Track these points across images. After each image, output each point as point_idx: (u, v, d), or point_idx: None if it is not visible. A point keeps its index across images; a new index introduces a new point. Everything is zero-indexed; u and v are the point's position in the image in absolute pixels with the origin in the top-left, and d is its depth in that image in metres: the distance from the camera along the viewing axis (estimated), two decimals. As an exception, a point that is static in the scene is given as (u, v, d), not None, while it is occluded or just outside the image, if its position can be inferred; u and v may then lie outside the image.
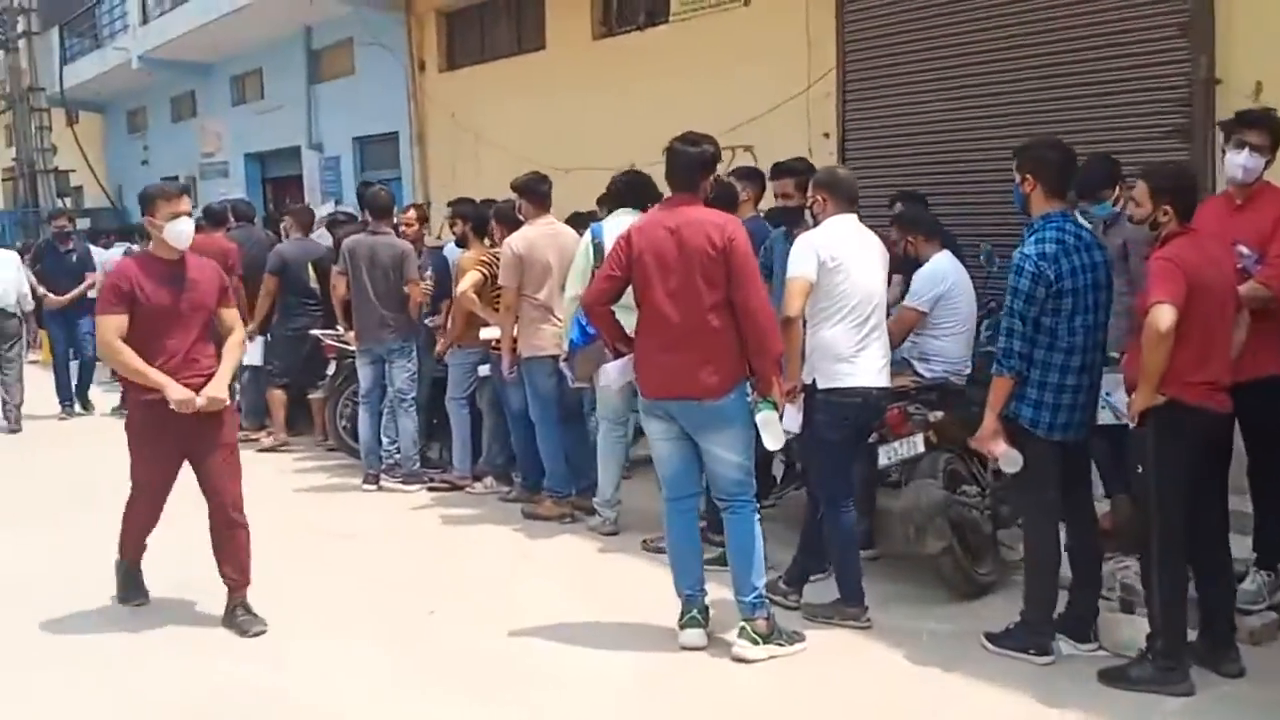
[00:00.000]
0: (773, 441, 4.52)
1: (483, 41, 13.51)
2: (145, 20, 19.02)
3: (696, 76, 10.34)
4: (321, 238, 9.61)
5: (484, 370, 7.37)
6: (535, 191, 6.72)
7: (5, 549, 6.36)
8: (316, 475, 8.18)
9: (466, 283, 6.88)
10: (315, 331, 8.32)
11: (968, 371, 5.61)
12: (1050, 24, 7.62)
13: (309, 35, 16.53)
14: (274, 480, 7.94)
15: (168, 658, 4.82)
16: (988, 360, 5.77)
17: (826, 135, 9.26)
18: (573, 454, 6.84)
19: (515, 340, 6.67)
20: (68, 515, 7.00)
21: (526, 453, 7.06)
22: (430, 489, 7.56)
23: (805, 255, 4.69)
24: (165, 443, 4.94)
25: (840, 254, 4.69)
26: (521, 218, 6.76)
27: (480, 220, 7.58)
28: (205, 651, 4.85)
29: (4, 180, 27.14)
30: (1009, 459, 4.36)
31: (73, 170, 23.94)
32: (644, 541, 6.04)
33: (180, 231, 4.88)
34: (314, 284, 9.08)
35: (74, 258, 10.58)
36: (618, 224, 6.34)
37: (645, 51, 10.99)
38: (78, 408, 11.31)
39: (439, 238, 10.65)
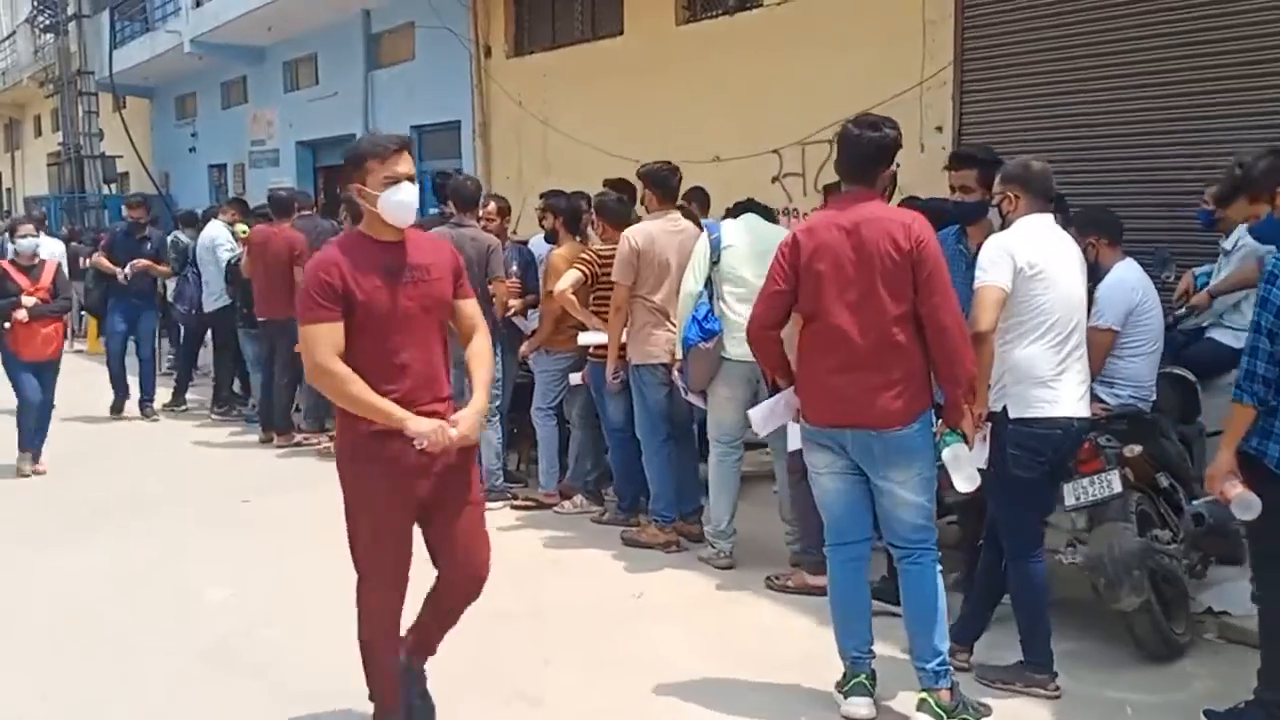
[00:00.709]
0: (964, 482, 3.82)
1: (554, 26, 12.86)
2: (198, 3, 18.49)
3: (791, 66, 9.65)
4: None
5: (575, 379, 6.71)
6: (664, 184, 6.05)
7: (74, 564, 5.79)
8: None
9: (565, 281, 6.21)
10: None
11: (1153, 398, 4.88)
12: (1190, 10, 6.91)
13: (368, 19, 15.95)
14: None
15: None
16: (1172, 384, 5.10)
17: (939, 129, 8.54)
18: (680, 474, 6.18)
19: (623, 346, 6.01)
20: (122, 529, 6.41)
21: (625, 472, 6.40)
22: (514, 507, 6.91)
23: (999, 260, 3.97)
24: (401, 498, 3.54)
25: (1039, 260, 3.98)
26: (643, 210, 6.12)
27: (573, 214, 6.93)
28: None
29: (50, 165, 26.75)
30: (1244, 504, 3.63)
31: (119, 155, 23.50)
32: (768, 579, 5.36)
33: (401, 202, 3.49)
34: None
35: (149, 245, 10.02)
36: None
37: (734, 38, 10.30)
38: (133, 411, 10.18)
39: (513, 232, 9.98)
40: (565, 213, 6.89)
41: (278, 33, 17.52)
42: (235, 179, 20.78)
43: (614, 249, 6.24)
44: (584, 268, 6.24)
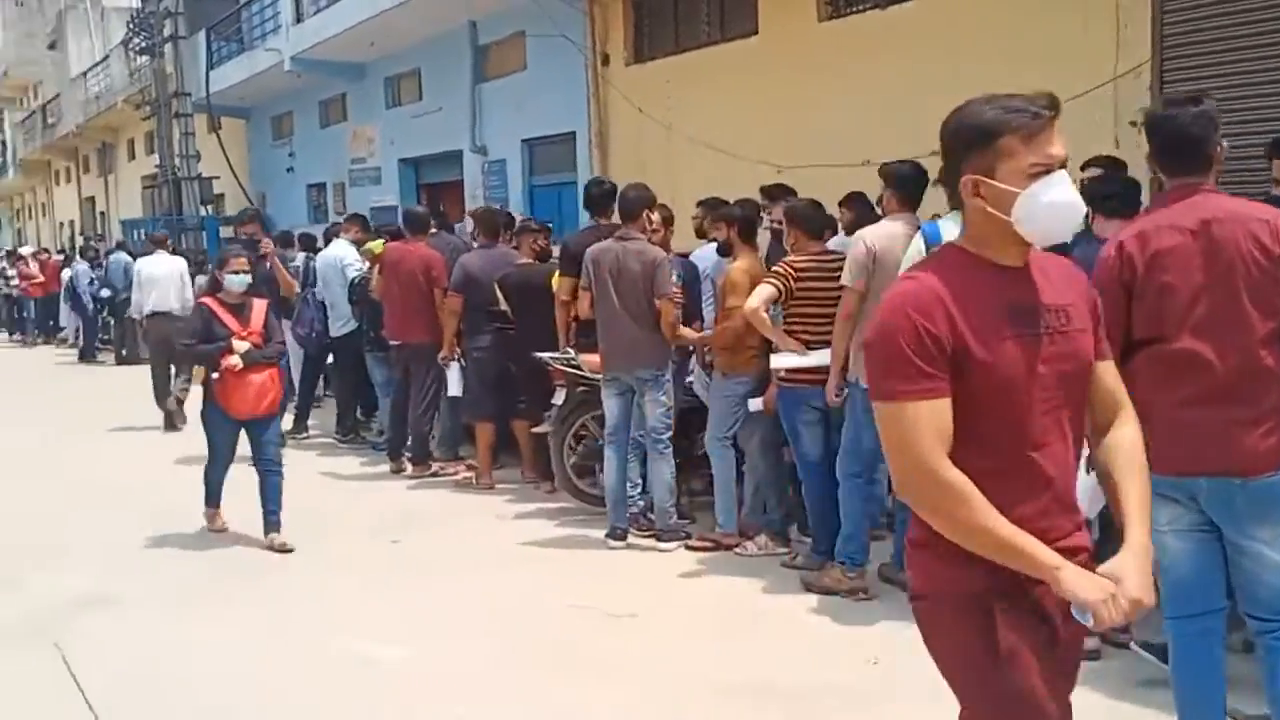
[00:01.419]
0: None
1: (677, 30, 12.26)
2: (299, 19, 18.20)
3: (953, 62, 8.90)
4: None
5: (754, 405, 6.05)
6: (908, 183, 5.35)
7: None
8: (544, 525, 6.91)
9: (758, 298, 5.54)
10: (542, 355, 7.08)
11: None
12: None
13: (474, 31, 15.48)
14: (499, 533, 6.75)
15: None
16: None
17: (1134, 124, 7.74)
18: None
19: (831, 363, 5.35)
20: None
21: (822, 511, 5.70)
22: (689, 548, 6.24)
23: None
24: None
25: None
26: (879, 211, 5.50)
27: (749, 223, 6.27)
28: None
29: (146, 188, 26.80)
30: None
31: (216, 177, 23.41)
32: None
33: (1060, 205, 2.14)
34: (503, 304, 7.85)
35: (267, 265, 9.31)
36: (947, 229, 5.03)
37: (886, 34, 9.61)
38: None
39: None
40: (741, 221, 6.22)
41: (380, 48, 17.15)
42: (335, 198, 20.47)
43: (810, 259, 5.60)
44: (778, 281, 5.57)
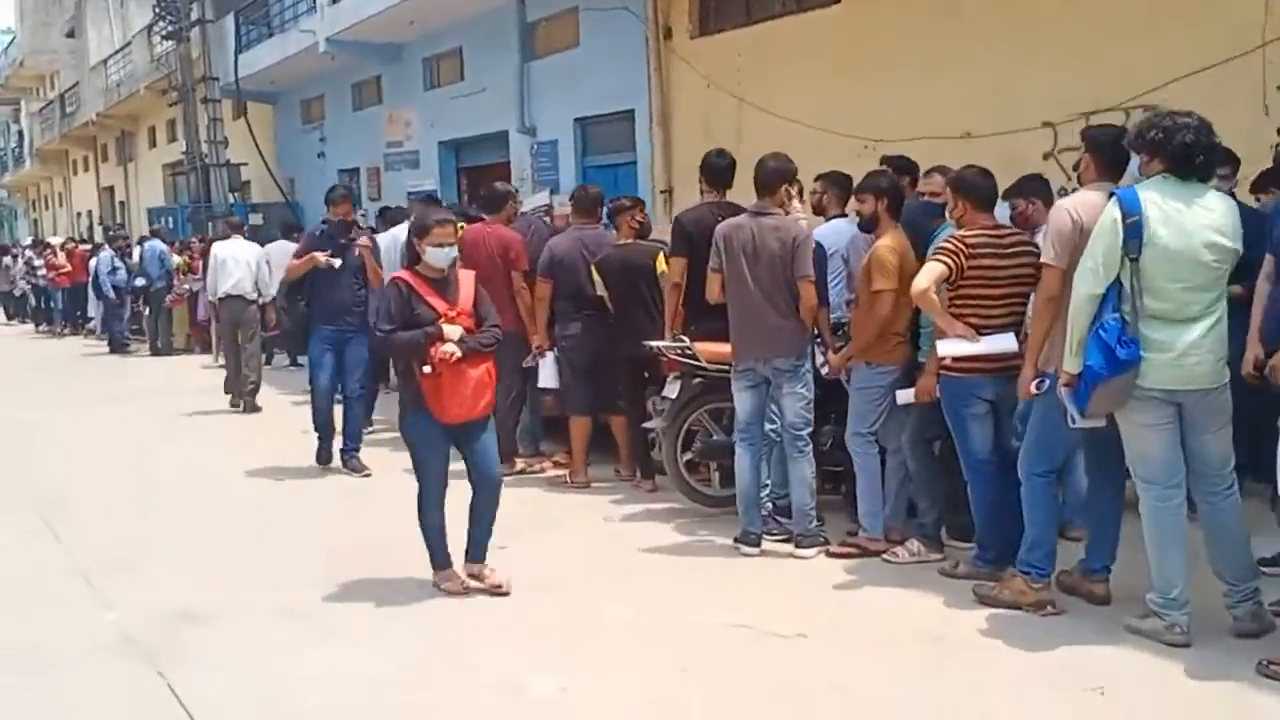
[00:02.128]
0: None
1: (748, 2, 11.65)
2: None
3: (1074, 28, 8.34)
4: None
5: (903, 397, 5.48)
6: (1107, 149, 4.73)
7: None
8: (660, 529, 6.34)
9: (927, 277, 4.96)
10: (655, 343, 6.52)
11: None
12: None
13: (522, 7, 14.91)
14: (614, 538, 6.21)
15: None
16: None
17: (1281, 89, 7.19)
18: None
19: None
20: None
21: (993, 514, 5.14)
22: (830, 554, 5.68)
23: None
24: None
25: None
26: (1074, 184, 4.92)
27: (900, 197, 5.69)
28: None
29: (173, 175, 26.27)
30: None
31: (244, 163, 22.87)
32: (1262, 664, 4.06)
33: None
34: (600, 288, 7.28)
35: (356, 251, 8.58)
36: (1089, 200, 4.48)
37: (989, -1, 9.02)
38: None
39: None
40: (889, 194, 5.64)
41: (419, 27, 16.59)
42: (369, 183, 19.92)
43: (983, 234, 5.03)
44: (948, 259, 4.98)
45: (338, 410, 8.16)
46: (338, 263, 7.92)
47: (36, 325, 23.15)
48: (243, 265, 11.40)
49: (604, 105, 13.51)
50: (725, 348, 6.09)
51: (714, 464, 6.54)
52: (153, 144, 32.34)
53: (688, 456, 6.52)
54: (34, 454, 9.23)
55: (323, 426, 8.14)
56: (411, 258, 5.28)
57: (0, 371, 15.88)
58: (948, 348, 5.04)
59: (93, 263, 19.16)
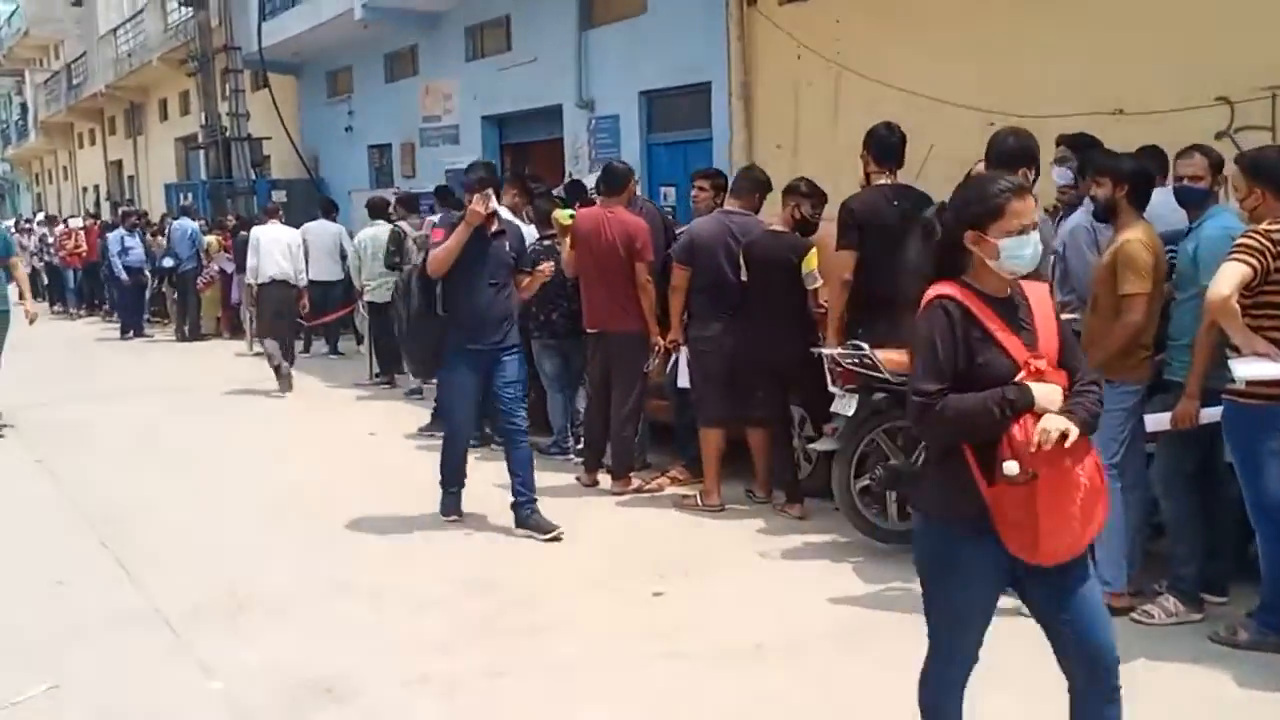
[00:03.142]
0: None
1: (848, -38, 10.65)
2: (372, -38, 16.52)
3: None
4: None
5: (1155, 423, 4.58)
6: None
7: None
8: (832, 570, 5.46)
9: (1229, 282, 4.03)
10: (827, 350, 5.60)
11: None
12: None
13: (581, -29, 13.90)
14: (786, 583, 5.32)
15: None
16: None
17: None
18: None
19: None
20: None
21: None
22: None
23: None
24: None
25: None
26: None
27: (1148, 182, 4.76)
28: None
29: (190, 149, 25.23)
30: None
31: (268, 137, 21.84)
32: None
33: None
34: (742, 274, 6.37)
35: (508, 246, 6.95)
36: None
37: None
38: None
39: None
40: (1135, 179, 4.71)
41: (466, -9, 15.56)
42: (402, 160, 18.90)
43: (1289, 230, 4.10)
44: (1253, 259, 4.06)
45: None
46: (547, 267, 6.37)
47: (51, 305, 22.07)
48: (284, 249, 11.56)
49: (675, 77, 12.50)
50: (913, 357, 5.20)
51: (892, 493, 5.63)
52: (164, 117, 31.25)
53: (862, 483, 5.61)
54: (86, 460, 8.31)
55: (454, 472, 6.38)
56: (945, 262, 2.94)
57: (22, 356, 15.00)
58: (1249, 369, 4.11)
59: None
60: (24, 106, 47.15)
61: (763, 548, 5.76)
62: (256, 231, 11.92)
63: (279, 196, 21.08)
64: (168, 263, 16.35)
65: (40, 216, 27.29)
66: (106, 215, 29.79)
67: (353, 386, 11.68)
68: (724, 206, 6.66)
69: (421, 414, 9.50)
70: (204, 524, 6.49)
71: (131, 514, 6.66)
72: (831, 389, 5.95)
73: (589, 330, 6.90)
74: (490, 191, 5.94)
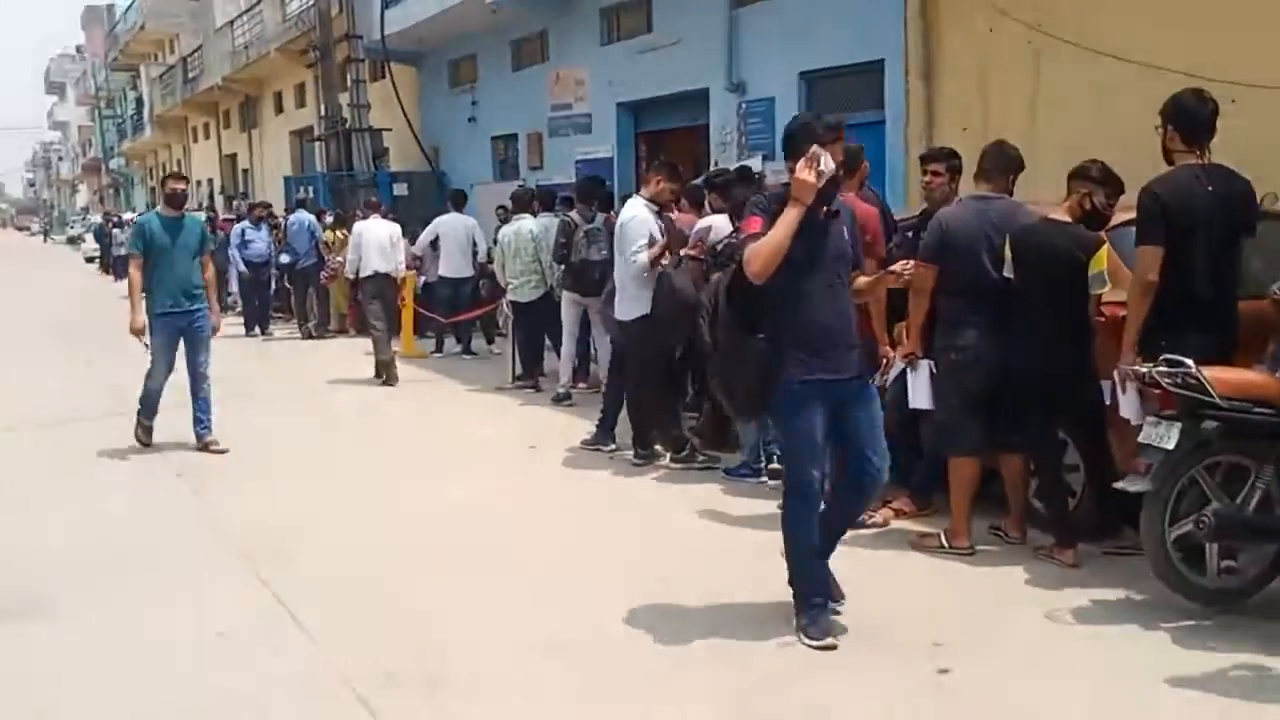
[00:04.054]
0: None
1: (1051, -77, 9.54)
2: (505, -57, 15.77)
3: None
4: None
5: None
6: None
7: None
8: (1157, 642, 4.43)
9: None
10: (1141, 368, 4.57)
11: None
12: None
13: (732, -54, 12.95)
14: (1120, 673, 4.27)
15: None
16: None
17: None
18: None
19: None
20: None
21: None
22: None
23: None
24: None
25: None
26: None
27: None
28: None
29: (309, 141, 24.82)
30: None
31: (388, 129, 21.30)
32: None
33: None
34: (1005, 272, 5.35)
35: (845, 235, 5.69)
36: None
37: None
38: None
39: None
40: None
41: (603, -28, 14.71)
42: (529, 151, 18.14)
43: None
44: None
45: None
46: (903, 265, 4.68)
47: None
48: (384, 243, 11.81)
49: (842, 55, 11.49)
50: (1253, 377, 4.21)
51: (1214, 544, 4.58)
52: (279, 110, 31.07)
53: (1180, 530, 4.57)
54: (226, 475, 7.61)
55: (816, 580, 4.51)
56: None
57: (140, 355, 14.64)
58: None
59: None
60: (139, 101, 47.70)
61: (1045, 606, 4.76)
62: (358, 227, 12.20)
63: (400, 189, 20.63)
64: (285, 259, 15.82)
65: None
66: (221, 208, 29.70)
67: (495, 390, 10.92)
68: (974, 192, 5.65)
69: (578, 423, 8.68)
70: (374, 558, 5.68)
71: (287, 543, 5.88)
72: (1124, 414, 4.96)
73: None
74: (820, 151, 4.16)
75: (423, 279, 14.20)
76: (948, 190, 5.93)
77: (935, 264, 5.39)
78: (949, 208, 5.59)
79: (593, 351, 10.56)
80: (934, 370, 5.57)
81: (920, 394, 5.63)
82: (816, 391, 4.30)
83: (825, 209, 4.33)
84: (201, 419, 8.19)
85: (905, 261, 4.74)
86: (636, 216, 7.35)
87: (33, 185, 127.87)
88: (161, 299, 8.00)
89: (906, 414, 5.90)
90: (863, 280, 4.67)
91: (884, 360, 5.86)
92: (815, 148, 4.17)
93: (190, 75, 36.50)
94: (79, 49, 75.88)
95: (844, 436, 4.47)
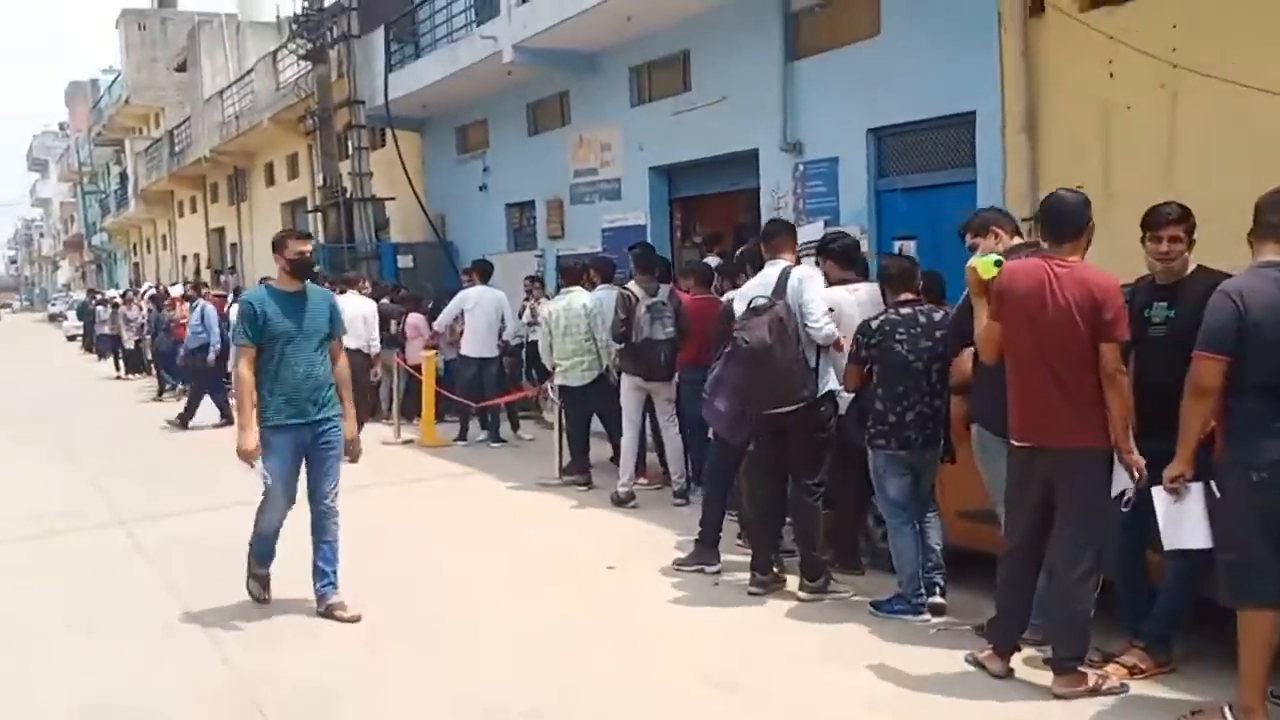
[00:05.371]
0: None
1: (1183, -46, 8.39)
2: (524, -1, 14.62)
3: None
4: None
5: None
6: None
7: None
8: None
9: None
10: None
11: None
12: None
13: (786, -7, 11.84)
14: None
15: None
16: None
17: None
18: None
19: None
20: None
21: None
22: None
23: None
24: None
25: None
26: None
27: None
28: None
29: (309, 211, 23.59)
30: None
31: (392, 198, 20.12)
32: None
33: None
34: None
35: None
36: None
37: None
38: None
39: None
40: None
41: (635, 26, 13.57)
42: (549, 219, 16.89)
43: None
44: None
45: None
46: None
47: (160, 388, 19.85)
48: (362, 320, 12.19)
49: (921, 108, 10.29)
50: None
51: None
52: (270, 181, 29.89)
53: None
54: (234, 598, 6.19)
55: None
56: None
57: (136, 453, 13.02)
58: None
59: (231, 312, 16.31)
60: (123, 175, 46.52)
61: None
62: (338, 301, 10.68)
63: (405, 261, 19.40)
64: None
65: (148, 287, 25.73)
66: (208, 283, 28.33)
67: (539, 487, 9.54)
68: (1260, 258, 4.32)
69: (655, 532, 7.30)
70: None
71: (335, 699, 4.47)
72: None
73: (1017, 443, 4.59)
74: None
75: (442, 359, 12.94)
76: (1186, 259, 4.68)
77: (1228, 355, 4.04)
78: (1240, 280, 4.19)
79: (648, 441, 9.24)
80: (1214, 495, 4.19)
81: (1191, 528, 4.24)
82: None
83: None
84: (325, 571, 6.08)
85: None
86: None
87: (14, 262, 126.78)
88: (278, 406, 5.94)
89: (1134, 542, 4.55)
90: None
91: (1134, 472, 4.46)
92: None
93: (177, 148, 35.34)
94: (62, 125, 75.06)
95: None
